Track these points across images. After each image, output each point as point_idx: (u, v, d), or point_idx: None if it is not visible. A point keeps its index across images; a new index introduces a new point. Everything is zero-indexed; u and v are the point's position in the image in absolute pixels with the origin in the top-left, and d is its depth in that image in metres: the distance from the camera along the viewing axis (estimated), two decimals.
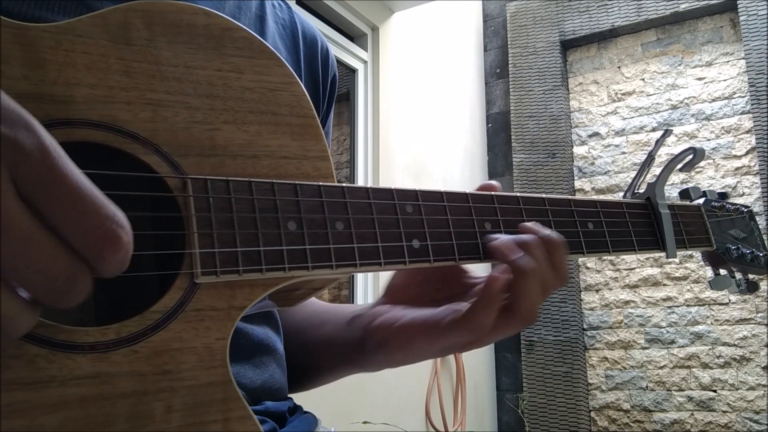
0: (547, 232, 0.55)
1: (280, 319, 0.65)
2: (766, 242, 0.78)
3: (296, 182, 0.45)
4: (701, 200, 0.75)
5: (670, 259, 3.17)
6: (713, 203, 0.75)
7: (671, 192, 2.82)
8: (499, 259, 0.53)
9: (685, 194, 0.76)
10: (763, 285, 3.02)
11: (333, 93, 0.75)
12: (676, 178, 3.31)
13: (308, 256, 0.44)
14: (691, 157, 0.71)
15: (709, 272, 0.75)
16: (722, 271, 0.75)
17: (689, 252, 0.71)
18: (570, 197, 0.63)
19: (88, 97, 0.40)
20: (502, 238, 0.54)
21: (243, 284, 0.42)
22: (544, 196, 0.60)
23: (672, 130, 0.88)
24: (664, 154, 3.26)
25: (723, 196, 0.77)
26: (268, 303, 0.59)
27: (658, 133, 3.58)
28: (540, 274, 0.52)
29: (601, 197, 0.65)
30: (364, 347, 0.59)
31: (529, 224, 0.56)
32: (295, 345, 0.67)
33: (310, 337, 0.67)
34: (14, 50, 0.38)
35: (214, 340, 0.40)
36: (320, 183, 0.47)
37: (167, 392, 0.38)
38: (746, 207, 0.78)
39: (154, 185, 0.41)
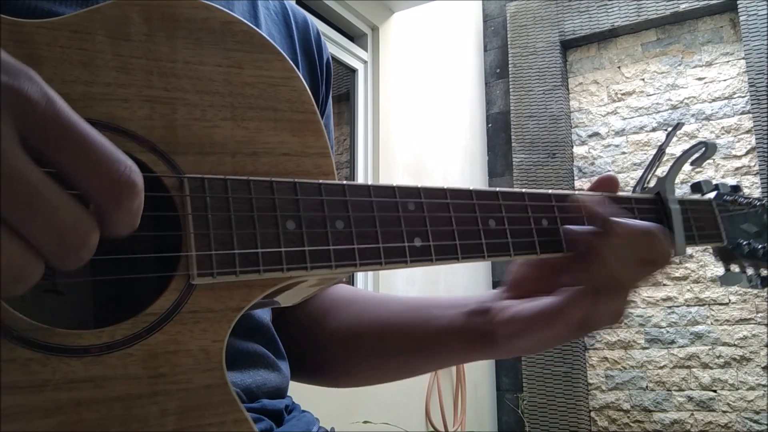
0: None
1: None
2: None
3: (295, 180, 0.44)
4: (713, 194, 0.73)
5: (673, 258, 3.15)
6: (725, 197, 0.72)
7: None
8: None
9: (696, 188, 0.73)
10: None
11: (329, 75, 0.76)
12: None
13: (307, 256, 0.43)
14: (702, 150, 0.69)
15: (713, 270, 0.73)
16: (733, 267, 0.73)
17: (699, 248, 0.69)
18: (578, 192, 0.61)
19: (84, 94, 0.39)
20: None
21: (240, 285, 0.41)
22: (550, 191, 0.59)
23: (684, 123, 0.86)
24: (666, 154, 3.25)
25: (736, 189, 0.74)
26: (267, 303, 0.58)
27: (659, 133, 3.57)
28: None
29: (610, 193, 0.64)
30: (496, 338, 0.60)
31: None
32: (385, 337, 0.67)
33: (410, 329, 0.67)
34: (9, 47, 0.37)
35: (210, 342, 0.39)
36: (320, 181, 0.45)
37: (162, 395, 0.37)
38: (759, 200, 0.75)
39: (151, 184, 0.40)
